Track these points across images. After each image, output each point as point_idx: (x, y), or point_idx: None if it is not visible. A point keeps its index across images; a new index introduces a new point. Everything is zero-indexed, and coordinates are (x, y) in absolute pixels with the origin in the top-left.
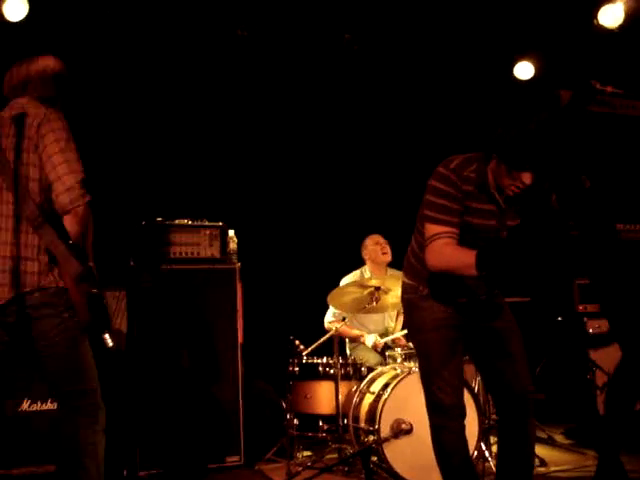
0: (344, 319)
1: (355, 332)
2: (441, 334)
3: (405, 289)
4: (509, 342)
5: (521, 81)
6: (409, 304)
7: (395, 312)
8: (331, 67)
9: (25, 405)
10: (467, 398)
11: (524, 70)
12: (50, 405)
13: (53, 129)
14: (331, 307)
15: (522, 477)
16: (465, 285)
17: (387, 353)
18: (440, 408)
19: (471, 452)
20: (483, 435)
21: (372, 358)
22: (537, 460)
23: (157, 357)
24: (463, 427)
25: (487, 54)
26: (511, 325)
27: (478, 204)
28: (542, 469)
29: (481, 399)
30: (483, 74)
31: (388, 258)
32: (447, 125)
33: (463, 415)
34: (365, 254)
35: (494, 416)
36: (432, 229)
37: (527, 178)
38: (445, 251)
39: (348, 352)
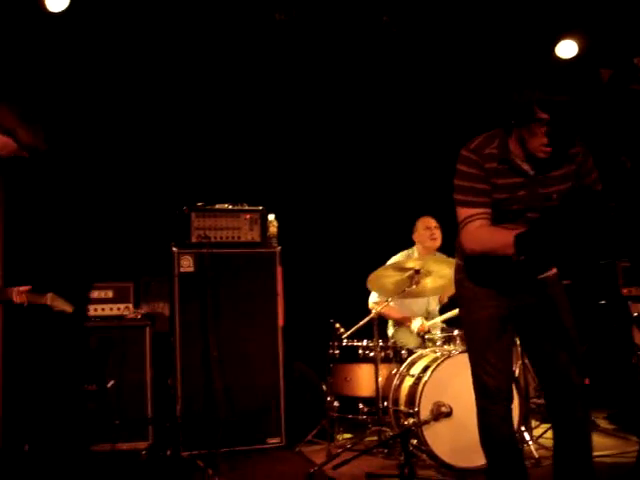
0: (387, 300)
1: (398, 315)
2: (487, 316)
3: (456, 270)
4: (560, 322)
5: (564, 60)
6: (458, 285)
7: (437, 296)
8: (370, 49)
9: None
10: None
11: (567, 49)
12: None
13: None
14: None
15: (581, 464)
16: (507, 266)
17: (427, 336)
18: (485, 391)
19: None
20: (524, 419)
21: (412, 341)
22: None
23: (199, 341)
24: (509, 411)
25: (528, 33)
26: (564, 305)
27: (504, 179)
28: None
29: (522, 383)
30: (524, 54)
31: (437, 244)
32: (490, 105)
33: (509, 399)
34: (415, 236)
35: (534, 400)
36: (463, 212)
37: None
38: (480, 233)
39: (389, 335)
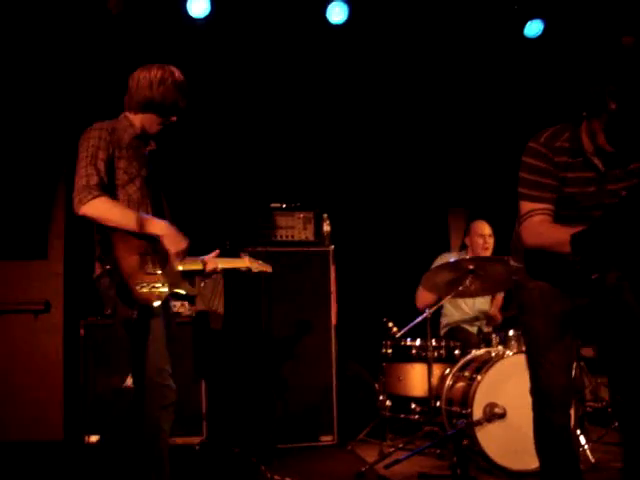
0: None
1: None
2: (548, 315)
3: (513, 271)
4: (629, 321)
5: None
6: (517, 285)
7: (490, 296)
8: (424, 44)
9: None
10: None
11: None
12: None
13: None
14: None
15: None
16: (569, 263)
17: (481, 336)
18: (545, 396)
19: None
20: (579, 422)
21: (465, 339)
22: None
23: (253, 337)
24: (568, 417)
25: (593, 24)
26: (631, 304)
27: (574, 173)
28: None
29: (578, 385)
30: (590, 43)
31: (487, 254)
32: (554, 98)
33: (569, 405)
34: (467, 240)
35: (590, 403)
36: (526, 206)
37: None
38: (540, 229)
39: (441, 334)
